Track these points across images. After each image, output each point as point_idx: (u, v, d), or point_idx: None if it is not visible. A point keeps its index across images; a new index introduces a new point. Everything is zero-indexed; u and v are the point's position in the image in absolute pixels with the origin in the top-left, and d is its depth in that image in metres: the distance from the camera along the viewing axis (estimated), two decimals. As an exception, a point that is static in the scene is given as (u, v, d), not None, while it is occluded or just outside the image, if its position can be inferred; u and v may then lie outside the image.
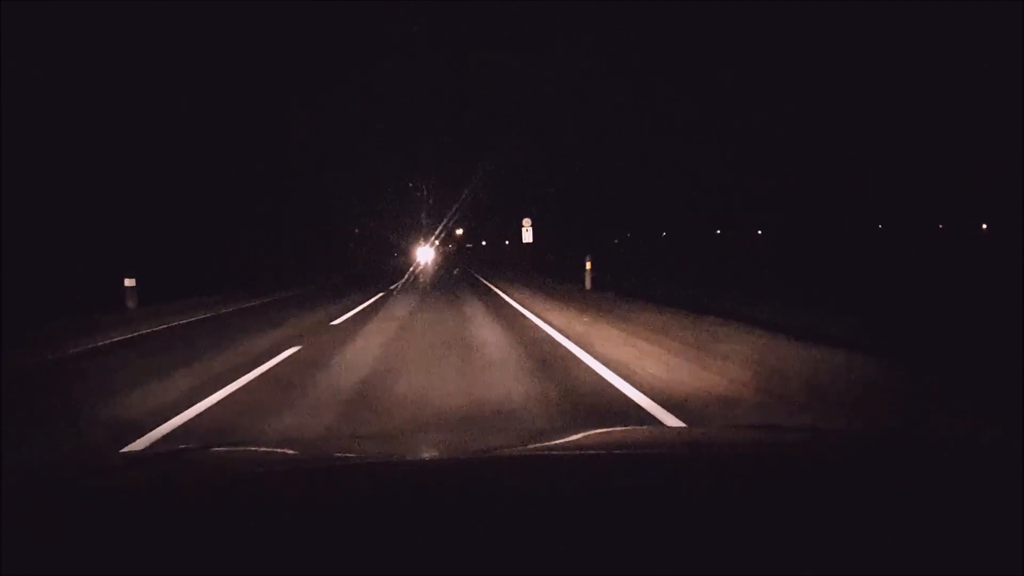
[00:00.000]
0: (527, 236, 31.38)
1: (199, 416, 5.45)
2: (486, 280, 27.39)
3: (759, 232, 45.33)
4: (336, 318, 13.18)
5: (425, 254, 54.65)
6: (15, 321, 12.50)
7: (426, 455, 1.81)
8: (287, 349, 8.79)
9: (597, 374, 6.62)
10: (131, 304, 16.52)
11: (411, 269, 39.52)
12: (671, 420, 4.81)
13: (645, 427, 4.23)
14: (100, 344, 10.57)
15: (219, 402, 5.91)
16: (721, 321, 9.75)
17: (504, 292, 19.22)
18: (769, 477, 1.34)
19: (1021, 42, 22.41)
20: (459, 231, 77.06)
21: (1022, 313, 7.87)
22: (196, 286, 20.96)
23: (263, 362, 7.83)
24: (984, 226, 37.89)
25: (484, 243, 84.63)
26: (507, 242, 69.53)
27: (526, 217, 32.10)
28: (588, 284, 18.15)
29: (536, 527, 1.05)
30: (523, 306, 14.33)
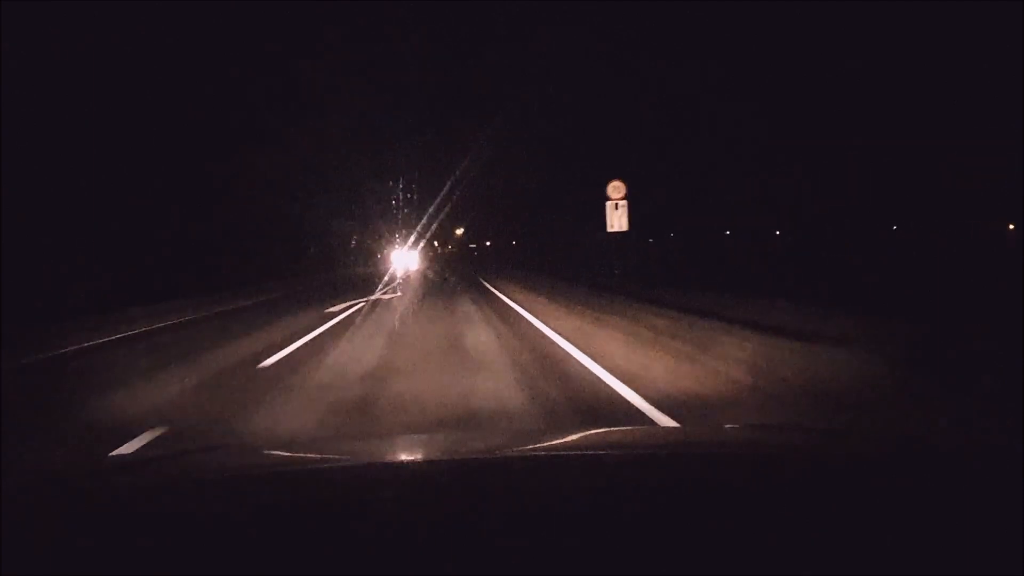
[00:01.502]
0: (618, 221, 16.31)
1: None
2: None
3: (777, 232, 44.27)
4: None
5: (408, 259, 38.92)
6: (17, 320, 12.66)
7: (424, 455, 1.81)
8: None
9: None
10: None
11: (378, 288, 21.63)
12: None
13: (642, 427, 4.22)
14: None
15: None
16: None
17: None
18: (768, 477, 1.34)
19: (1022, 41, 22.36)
20: (459, 231, 75.50)
21: (1022, 313, 7.83)
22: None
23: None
24: (1011, 226, 37.00)
25: (488, 243, 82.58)
26: (514, 242, 68.21)
27: (615, 180, 16.50)
28: None
29: (535, 527, 1.05)
30: None
